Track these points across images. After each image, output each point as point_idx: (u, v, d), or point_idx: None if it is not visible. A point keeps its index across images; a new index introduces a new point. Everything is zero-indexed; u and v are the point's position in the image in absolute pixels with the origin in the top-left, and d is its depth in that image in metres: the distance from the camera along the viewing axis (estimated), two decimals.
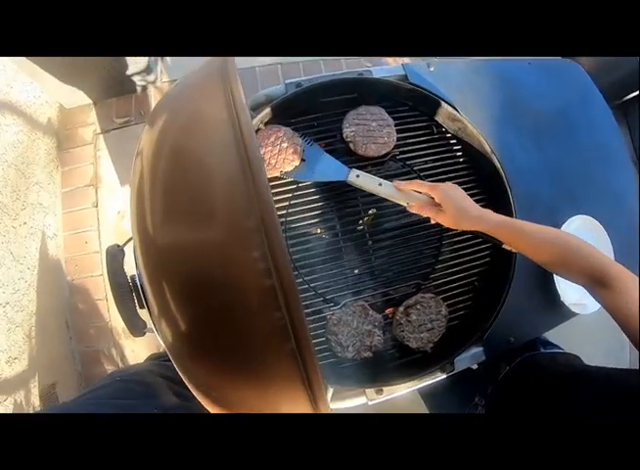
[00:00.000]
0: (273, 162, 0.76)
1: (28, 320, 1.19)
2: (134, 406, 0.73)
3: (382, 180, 0.73)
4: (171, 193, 0.42)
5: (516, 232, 0.63)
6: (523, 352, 0.89)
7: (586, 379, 0.68)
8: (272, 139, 0.77)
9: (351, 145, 0.81)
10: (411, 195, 0.71)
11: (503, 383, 0.86)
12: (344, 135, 0.81)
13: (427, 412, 1.13)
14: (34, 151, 1.33)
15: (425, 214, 0.70)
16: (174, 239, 0.41)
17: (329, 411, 0.39)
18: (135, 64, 1.41)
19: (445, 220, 0.67)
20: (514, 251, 0.69)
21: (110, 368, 1.31)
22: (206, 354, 0.42)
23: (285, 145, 0.76)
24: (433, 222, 0.72)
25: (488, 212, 0.66)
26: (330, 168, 0.77)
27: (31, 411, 1.10)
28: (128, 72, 1.44)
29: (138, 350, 1.32)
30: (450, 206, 0.65)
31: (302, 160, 0.77)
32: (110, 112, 1.47)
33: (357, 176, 0.75)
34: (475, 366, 0.95)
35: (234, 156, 0.36)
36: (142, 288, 0.48)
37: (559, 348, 0.91)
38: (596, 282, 0.55)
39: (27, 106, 1.33)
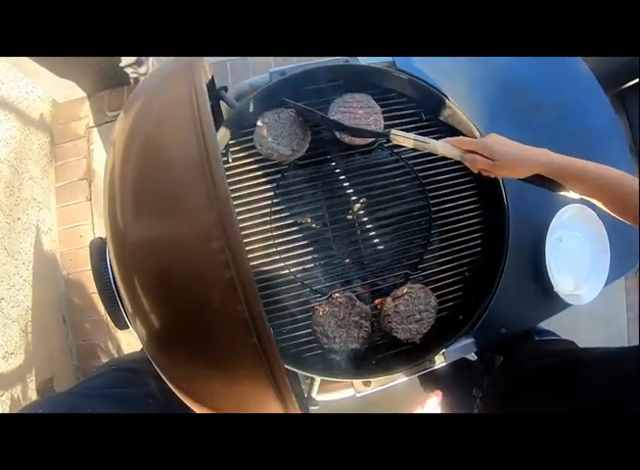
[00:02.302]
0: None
1: (24, 315, 1.19)
2: (127, 395, 0.74)
3: (428, 139, 0.69)
4: (138, 187, 0.42)
5: (578, 174, 0.60)
6: (516, 342, 0.88)
7: (580, 366, 0.67)
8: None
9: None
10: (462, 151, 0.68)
11: (498, 374, 0.85)
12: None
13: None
14: (27, 146, 1.33)
15: (478, 167, 0.66)
16: (142, 234, 0.41)
17: (295, 405, 0.38)
18: (127, 56, 1.40)
19: (502, 172, 0.64)
20: (571, 195, 0.65)
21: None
22: (176, 348, 0.42)
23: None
24: (487, 176, 0.67)
25: (546, 152, 0.63)
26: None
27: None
28: (120, 65, 1.43)
29: (134, 342, 1.33)
30: (504, 156, 0.62)
31: None
32: (102, 105, 1.46)
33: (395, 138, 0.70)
34: (473, 357, 0.94)
35: (195, 151, 0.36)
36: (115, 283, 0.47)
37: (554, 335, 0.89)
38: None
39: (20, 101, 1.33)
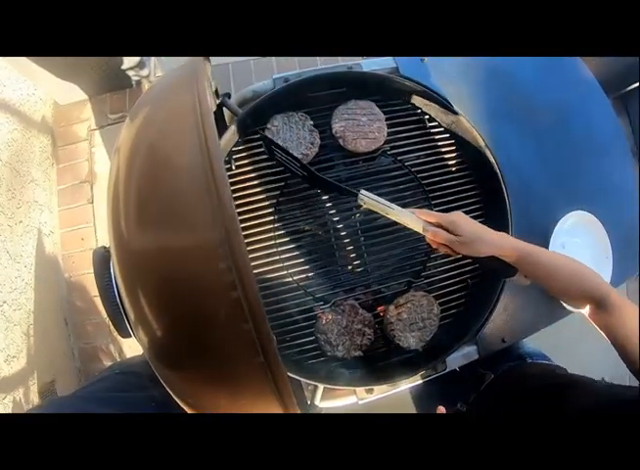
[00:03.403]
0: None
1: (26, 318, 1.19)
2: (130, 399, 0.74)
3: (394, 205, 0.68)
4: (143, 199, 0.42)
5: (532, 259, 0.62)
6: (509, 361, 0.87)
7: (572, 391, 0.67)
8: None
9: (341, 141, 0.79)
10: (425, 223, 0.67)
11: (486, 391, 0.85)
12: (334, 131, 0.79)
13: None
14: (29, 149, 1.33)
15: (439, 241, 0.65)
16: (146, 245, 0.41)
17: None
18: (129, 59, 1.40)
19: (462, 247, 0.64)
20: (524, 283, 0.66)
21: (108, 364, 1.31)
22: (180, 363, 0.42)
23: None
24: (445, 252, 0.67)
25: (507, 237, 0.64)
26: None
27: (30, 408, 1.11)
28: (122, 68, 1.42)
29: (135, 345, 1.33)
30: (466, 232, 0.63)
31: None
32: (104, 107, 1.46)
33: (364, 199, 0.69)
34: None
35: (199, 168, 0.35)
36: (118, 293, 0.47)
37: (547, 359, 0.88)
38: (595, 305, 0.59)
39: (21, 104, 1.33)
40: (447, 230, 0.64)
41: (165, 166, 0.40)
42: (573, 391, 0.62)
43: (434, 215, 0.66)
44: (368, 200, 0.68)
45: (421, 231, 0.67)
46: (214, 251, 0.33)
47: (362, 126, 0.80)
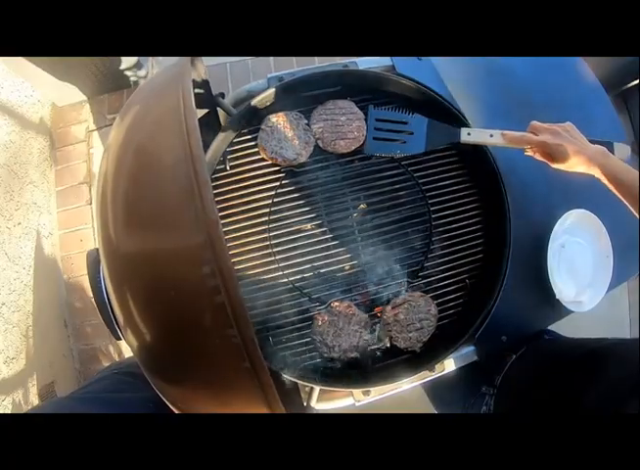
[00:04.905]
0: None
1: (25, 320, 1.19)
2: (128, 399, 0.74)
3: (492, 131, 0.70)
4: (129, 204, 0.41)
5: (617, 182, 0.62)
6: (527, 340, 0.86)
7: (601, 359, 0.66)
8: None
9: (319, 142, 0.78)
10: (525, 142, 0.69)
11: (513, 370, 0.84)
12: (312, 132, 0.79)
13: (430, 404, 1.11)
14: (27, 150, 1.33)
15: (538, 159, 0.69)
16: (132, 251, 0.41)
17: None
18: (126, 60, 1.40)
19: (557, 167, 0.67)
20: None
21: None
22: (167, 367, 0.42)
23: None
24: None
25: (603, 153, 0.65)
26: (440, 134, 0.73)
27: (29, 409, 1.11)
28: (120, 68, 1.42)
29: None
30: (560, 163, 0.66)
31: (411, 133, 0.73)
32: (102, 108, 1.46)
33: (469, 134, 0.71)
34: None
35: (183, 172, 0.35)
36: (107, 294, 0.47)
37: (559, 335, 0.88)
38: None
39: (19, 105, 1.33)
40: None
41: (150, 169, 0.39)
42: (612, 357, 0.61)
43: (533, 141, 0.68)
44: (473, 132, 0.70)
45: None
46: (198, 255, 0.33)
47: (341, 126, 0.79)
